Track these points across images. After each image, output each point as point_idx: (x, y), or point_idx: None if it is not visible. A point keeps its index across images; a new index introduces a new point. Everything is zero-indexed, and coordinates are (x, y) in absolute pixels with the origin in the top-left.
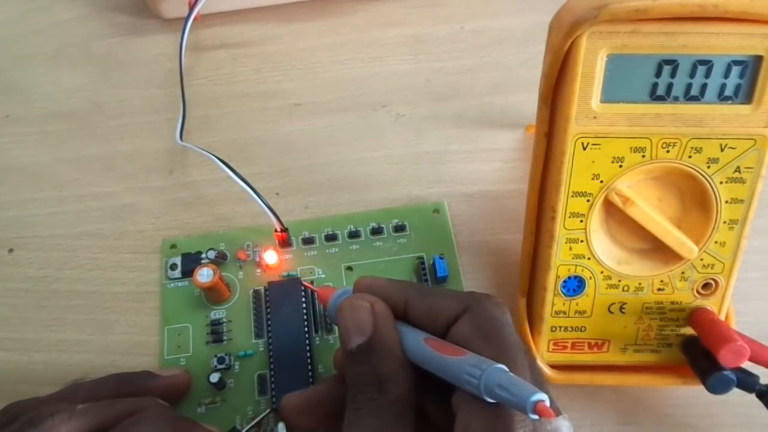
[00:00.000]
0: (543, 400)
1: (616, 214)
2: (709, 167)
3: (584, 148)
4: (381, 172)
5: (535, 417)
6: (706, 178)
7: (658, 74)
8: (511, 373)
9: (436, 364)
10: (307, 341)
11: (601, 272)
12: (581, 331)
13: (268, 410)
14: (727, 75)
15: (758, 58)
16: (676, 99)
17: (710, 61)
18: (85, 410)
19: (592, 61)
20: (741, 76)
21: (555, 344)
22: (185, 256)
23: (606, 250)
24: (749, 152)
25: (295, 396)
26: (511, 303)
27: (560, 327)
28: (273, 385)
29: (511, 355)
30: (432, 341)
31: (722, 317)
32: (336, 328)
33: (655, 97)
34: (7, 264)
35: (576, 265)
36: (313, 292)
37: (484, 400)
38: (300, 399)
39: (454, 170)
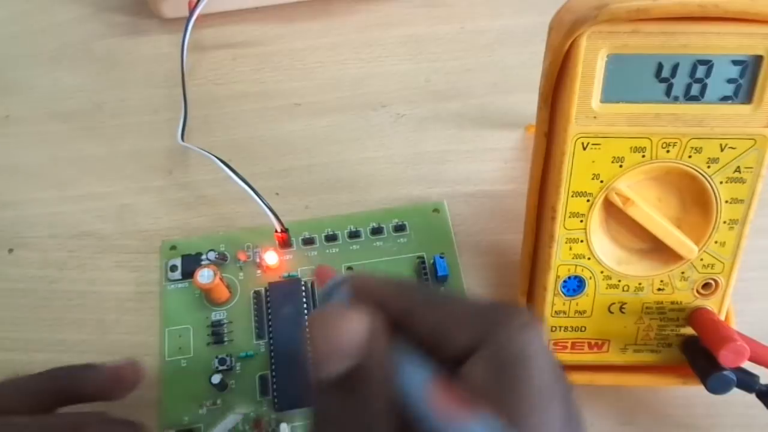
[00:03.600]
0: None
1: (616, 214)
2: (709, 167)
3: (584, 148)
4: (381, 172)
5: None
6: (706, 178)
7: (658, 74)
8: None
9: (431, 422)
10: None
11: (601, 272)
12: (581, 331)
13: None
14: (727, 75)
15: (758, 58)
16: (676, 99)
17: (710, 61)
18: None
19: (592, 61)
20: (741, 76)
21: (555, 344)
22: (185, 258)
23: (606, 250)
24: (749, 152)
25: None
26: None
27: (560, 327)
28: (274, 386)
29: (536, 415)
30: (435, 385)
31: (722, 317)
32: None
33: (655, 97)
34: (7, 264)
35: (576, 265)
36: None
37: None
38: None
39: (454, 170)
